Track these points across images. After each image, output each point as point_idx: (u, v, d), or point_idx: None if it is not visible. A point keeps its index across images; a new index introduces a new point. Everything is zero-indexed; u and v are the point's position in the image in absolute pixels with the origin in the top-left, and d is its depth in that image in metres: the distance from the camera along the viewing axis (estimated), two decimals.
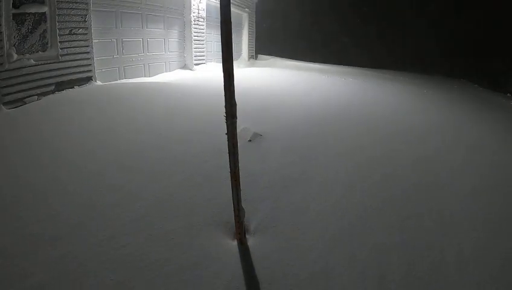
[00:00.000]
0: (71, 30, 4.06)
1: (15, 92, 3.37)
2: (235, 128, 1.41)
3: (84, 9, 4.22)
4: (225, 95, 1.34)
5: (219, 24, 1.25)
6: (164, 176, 2.17)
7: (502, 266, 1.64)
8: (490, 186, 2.47)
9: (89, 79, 4.41)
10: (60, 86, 3.93)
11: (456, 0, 13.80)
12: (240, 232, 1.60)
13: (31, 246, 1.49)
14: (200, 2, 7.20)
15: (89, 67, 4.40)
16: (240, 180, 1.51)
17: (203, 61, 7.62)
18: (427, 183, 2.40)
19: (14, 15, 3.35)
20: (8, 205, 1.78)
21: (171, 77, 5.97)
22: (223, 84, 1.32)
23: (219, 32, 1.29)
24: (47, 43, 3.82)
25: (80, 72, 4.24)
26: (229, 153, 1.44)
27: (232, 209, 1.56)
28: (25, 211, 1.74)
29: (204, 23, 7.54)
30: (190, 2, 6.92)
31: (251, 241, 1.64)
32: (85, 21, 4.25)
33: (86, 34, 4.29)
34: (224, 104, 1.36)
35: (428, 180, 2.46)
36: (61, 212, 1.74)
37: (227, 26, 1.23)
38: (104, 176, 2.12)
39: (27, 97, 3.48)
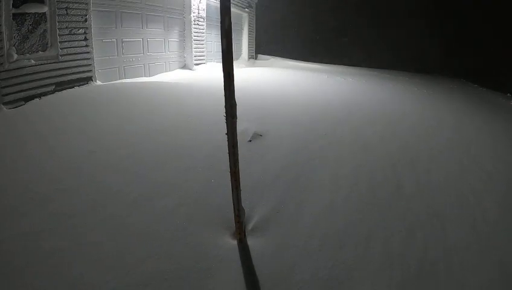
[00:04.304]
0: (71, 30, 4.06)
1: (15, 92, 3.37)
2: (235, 128, 1.41)
3: (84, 9, 4.22)
4: (225, 95, 1.34)
5: (219, 24, 1.25)
6: (163, 177, 2.17)
7: None
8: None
9: (89, 79, 4.41)
10: (60, 86, 3.93)
11: (456, 0, 13.80)
12: (240, 232, 1.60)
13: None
14: (200, 2, 7.21)
15: (89, 67, 4.40)
16: (240, 180, 1.51)
17: (203, 61, 7.62)
18: (429, 185, 2.40)
19: (14, 15, 3.35)
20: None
21: (171, 76, 5.97)
22: (223, 84, 1.32)
23: (219, 32, 1.29)
24: (47, 43, 3.82)
25: (79, 72, 4.24)
26: (229, 153, 1.44)
27: (232, 208, 1.57)
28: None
29: (204, 23, 7.54)
30: (190, 2, 6.92)
31: (250, 240, 1.65)
32: (85, 21, 4.26)
33: (86, 34, 4.29)
34: (224, 104, 1.36)
35: (429, 180, 2.46)
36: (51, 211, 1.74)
37: (227, 26, 1.24)
38: (101, 179, 2.12)
39: (27, 97, 3.49)
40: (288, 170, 2.38)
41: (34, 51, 3.65)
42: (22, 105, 3.37)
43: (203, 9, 7.40)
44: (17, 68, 3.40)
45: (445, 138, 3.47)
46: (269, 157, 2.55)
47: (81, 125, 2.91)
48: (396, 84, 7.64)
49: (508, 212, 2.15)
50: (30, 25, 3.58)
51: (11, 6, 3.29)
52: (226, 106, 1.36)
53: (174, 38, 6.76)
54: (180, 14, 6.89)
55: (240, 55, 10.64)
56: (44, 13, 3.72)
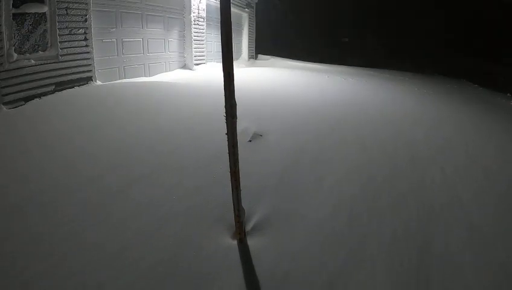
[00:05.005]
0: (71, 30, 4.06)
1: (15, 92, 3.37)
2: (235, 128, 1.41)
3: (84, 9, 4.22)
4: (225, 95, 1.34)
5: (219, 24, 1.25)
6: (162, 177, 2.17)
7: None
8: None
9: (89, 79, 4.41)
10: (60, 86, 3.93)
11: (457, 0, 13.80)
12: (240, 232, 1.60)
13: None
14: (200, 2, 7.21)
15: (89, 68, 4.41)
16: (240, 180, 1.51)
17: (203, 61, 7.62)
18: (427, 185, 2.40)
19: (14, 15, 3.35)
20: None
21: (171, 76, 5.97)
22: (222, 84, 1.32)
23: (219, 32, 1.29)
24: (47, 43, 3.82)
25: (79, 72, 4.24)
26: (228, 153, 1.44)
27: (232, 208, 1.57)
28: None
29: (204, 23, 7.54)
30: (190, 2, 6.92)
31: (250, 240, 1.65)
32: (85, 21, 4.26)
33: (86, 34, 4.29)
34: (224, 104, 1.36)
35: (428, 180, 2.46)
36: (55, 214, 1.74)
37: (227, 26, 1.24)
38: (101, 180, 2.12)
39: (27, 97, 3.49)
40: (288, 170, 2.38)
41: (34, 51, 3.66)
42: (21, 105, 3.37)
43: (203, 9, 7.40)
44: (17, 68, 3.40)
45: (444, 138, 3.47)
46: (269, 157, 2.55)
47: (80, 125, 2.91)
48: (397, 84, 7.64)
49: (507, 212, 2.15)
50: (30, 25, 3.58)
51: (11, 6, 3.29)
52: (226, 106, 1.36)
53: (174, 38, 6.76)
54: (180, 14, 6.89)
55: (240, 55, 10.64)
56: (44, 13, 3.72)
